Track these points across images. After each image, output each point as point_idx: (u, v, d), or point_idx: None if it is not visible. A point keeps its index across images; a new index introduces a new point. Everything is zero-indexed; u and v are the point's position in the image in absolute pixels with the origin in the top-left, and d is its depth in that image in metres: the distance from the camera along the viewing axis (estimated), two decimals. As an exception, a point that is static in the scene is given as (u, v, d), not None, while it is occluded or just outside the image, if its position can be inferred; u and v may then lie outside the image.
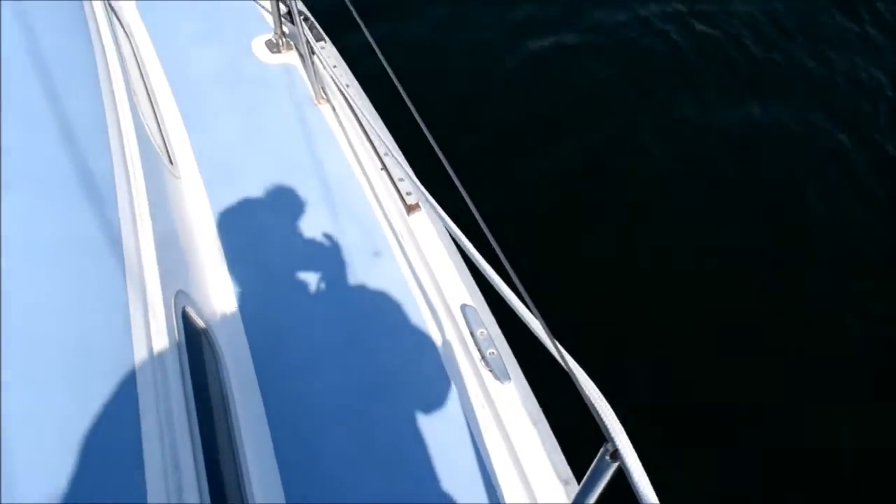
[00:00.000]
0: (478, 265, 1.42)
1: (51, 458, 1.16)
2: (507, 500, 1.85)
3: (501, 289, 1.31)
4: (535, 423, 1.98)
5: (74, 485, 1.14)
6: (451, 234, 1.58)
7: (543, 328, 1.11)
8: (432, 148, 1.69)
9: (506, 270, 1.27)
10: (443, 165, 1.60)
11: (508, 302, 1.27)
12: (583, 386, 1.00)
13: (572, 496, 1.83)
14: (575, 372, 1.02)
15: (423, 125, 1.61)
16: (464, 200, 1.63)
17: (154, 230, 1.82)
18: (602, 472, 1.01)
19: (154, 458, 1.27)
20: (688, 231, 4.44)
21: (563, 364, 1.05)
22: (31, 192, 1.58)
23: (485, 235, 1.36)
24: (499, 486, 1.87)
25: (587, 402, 0.99)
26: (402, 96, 1.83)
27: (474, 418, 2.00)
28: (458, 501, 1.84)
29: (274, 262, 2.34)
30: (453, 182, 1.68)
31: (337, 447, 1.91)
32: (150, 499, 1.21)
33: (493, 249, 1.32)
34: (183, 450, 1.36)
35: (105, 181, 1.78)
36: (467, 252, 1.46)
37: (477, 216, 1.28)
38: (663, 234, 4.41)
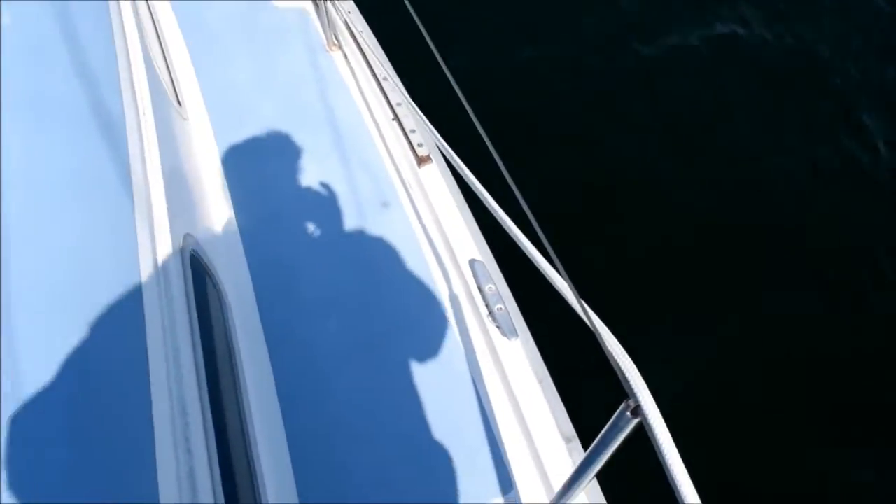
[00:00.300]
0: (498, 217, 1.39)
1: (61, 387, 1.15)
2: (508, 456, 1.85)
3: (523, 243, 1.28)
4: (539, 381, 1.98)
5: (82, 434, 1.13)
6: (467, 184, 1.54)
7: (567, 283, 1.09)
8: (447, 100, 1.64)
9: (526, 226, 1.25)
10: (457, 120, 1.56)
11: (530, 256, 1.24)
12: (606, 341, 0.98)
13: (574, 454, 1.84)
14: (598, 327, 1.00)
15: (445, 69, 1.57)
16: (478, 155, 1.60)
17: (163, 170, 1.79)
18: (620, 428, 1.00)
19: (162, 400, 1.26)
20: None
21: (586, 319, 1.03)
22: (40, 124, 1.55)
23: (504, 191, 1.33)
24: (501, 441, 1.87)
25: (609, 357, 0.97)
26: (423, 41, 1.77)
27: (479, 373, 1.99)
28: (461, 454, 1.84)
29: (281, 209, 2.31)
30: (468, 137, 1.64)
31: (341, 395, 1.91)
32: (157, 440, 1.20)
33: (514, 206, 1.30)
34: (189, 392, 1.35)
35: (115, 117, 1.74)
36: (486, 203, 1.43)
37: (501, 166, 1.25)
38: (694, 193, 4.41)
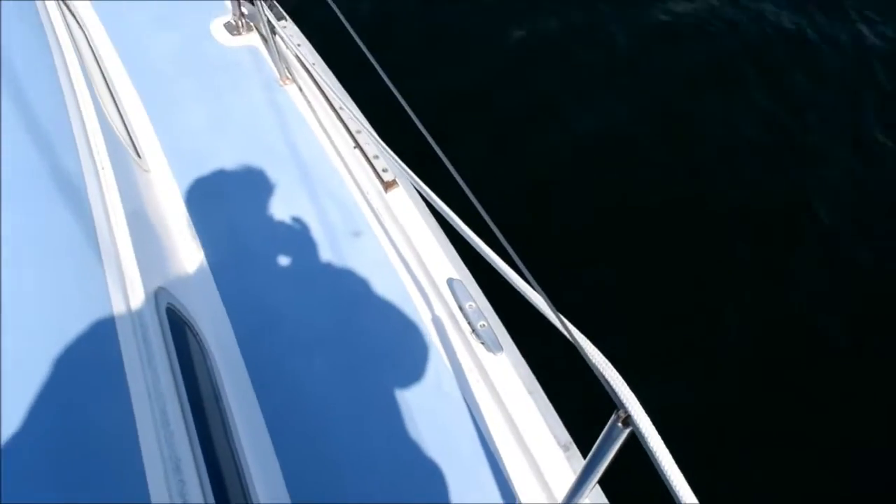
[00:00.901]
0: (467, 238, 1.39)
1: (48, 466, 1.13)
2: (508, 470, 1.85)
3: (495, 261, 1.29)
4: (530, 392, 1.98)
5: (74, 489, 1.11)
6: (434, 208, 1.54)
7: (544, 298, 1.09)
8: (405, 124, 1.65)
9: (495, 242, 1.25)
10: (416, 142, 1.56)
11: (504, 274, 1.24)
12: (590, 355, 0.99)
13: (573, 461, 1.84)
14: (580, 341, 1.01)
15: (399, 95, 1.57)
16: (443, 175, 1.60)
17: (129, 226, 1.78)
18: (613, 439, 1.01)
19: (154, 460, 1.24)
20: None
21: (567, 335, 1.03)
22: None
23: (468, 209, 1.33)
24: (499, 456, 1.87)
25: (595, 370, 0.98)
26: (374, 69, 1.78)
27: (469, 391, 1.99)
28: (459, 472, 1.83)
29: (253, 250, 2.30)
30: (429, 158, 1.64)
31: (334, 433, 1.89)
32: (153, 500, 1.19)
33: (480, 222, 1.30)
34: (182, 448, 1.33)
35: (75, 180, 1.73)
36: (455, 225, 1.44)
37: (464, 186, 1.25)
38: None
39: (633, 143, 4.76)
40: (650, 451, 0.91)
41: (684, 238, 4.21)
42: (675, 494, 0.89)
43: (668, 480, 0.89)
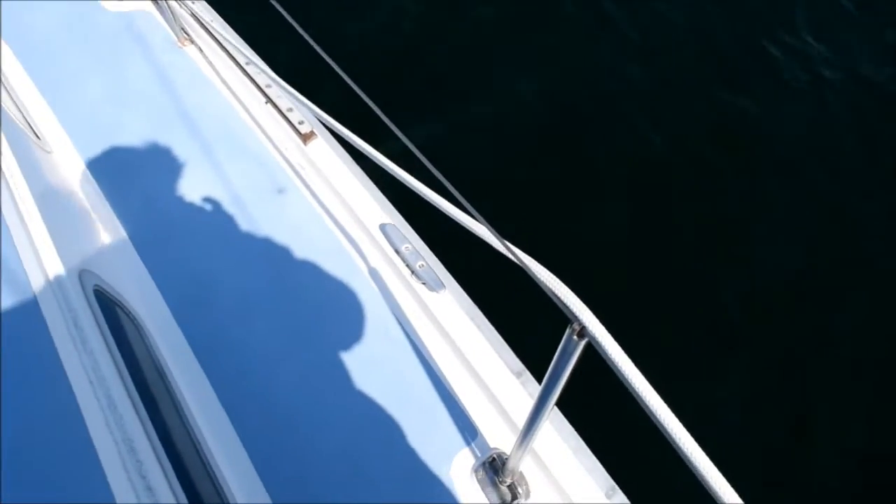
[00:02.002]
0: (399, 177, 1.37)
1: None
2: (466, 405, 1.87)
3: (430, 196, 1.27)
4: (477, 325, 1.99)
5: (29, 488, 1.07)
6: (361, 150, 1.50)
7: (487, 228, 1.08)
8: (317, 69, 1.59)
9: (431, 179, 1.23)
10: (331, 88, 1.51)
11: (441, 208, 1.23)
12: (538, 274, 0.99)
13: (528, 386, 1.87)
14: (528, 262, 1.00)
15: (311, 41, 1.51)
16: (364, 120, 1.56)
17: (40, 211, 1.68)
18: (570, 352, 1.02)
19: (107, 445, 1.20)
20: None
21: (512, 257, 1.03)
22: None
23: (399, 149, 1.30)
24: (455, 393, 1.88)
25: (545, 288, 0.98)
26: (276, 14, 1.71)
27: (416, 333, 1.99)
28: (418, 416, 1.84)
29: (174, 221, 2.22)
30: (345, 102, 1.59)
31: (286, 394, 1.87)
32: (112, 485, 1.16)
33: (411, 161, 1.28)
34: (134, 429, 1.29)
35: None
36: (384, 165, 1.41)
37: (390, 124, 1.22)
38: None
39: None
40: (608, 357, 0.92)
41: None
42: (639, 397, 0.91)
43: (629, 384, 0.91)
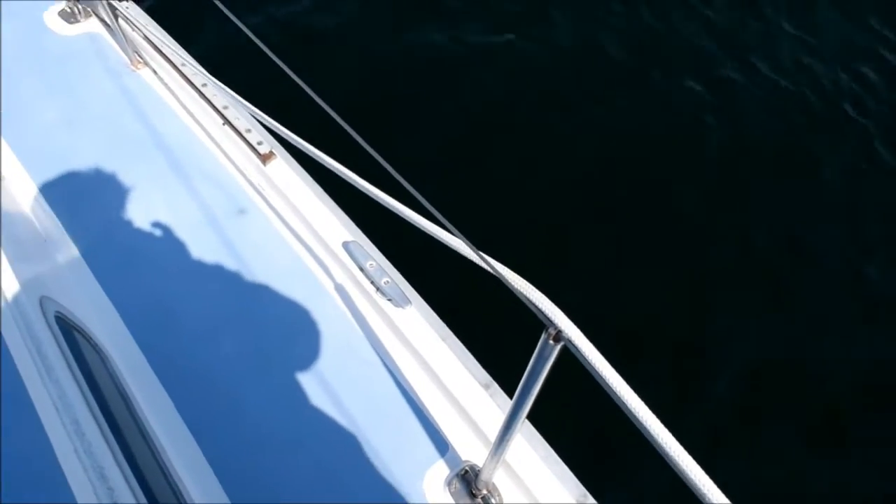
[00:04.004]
0: (366, 191, 1.37)
1: None
2: (436, 419, 1.87)
3: (400, 210, 1.28)
4: (443, 339, 2.00)
5: None
6: (327, 166, 1.50)
7: (461, 239, 1.09)
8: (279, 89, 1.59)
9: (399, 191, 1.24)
10: (294, 111, 1.50)
11: (411, 220, 1.24)
12: (512, 282, 1.00)
13: (497, 398, 1.88)
14: (501, 271, 1.02)
15: (271, 55, 1.51)
16: (323, 136, 1.56)
17: None
18: (546, 357, 1.03)
19: (76, 472, 1.18)
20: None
21: (485, 266, 1.04)
22: None
23: (364, 164, 1.31)
24: (425, 407, 1.88)
25: (520, 295, 1.00)
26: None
27: (384, 350, 1.99)
28: (389, 432, 1.84)
29: (133, 246, 2.18)
30: (307, 122, 1.58)
31: (255, 417, 1.85)
32: None
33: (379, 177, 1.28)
34: (103, 455, 1.27)
35: None
36: (351, 180, 1.41)
37: (357, 137, 1.23)
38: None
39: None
40: (585, 359, 0.94)
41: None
42: (618, 398, 0.92)
43: (607, 385, 0.92)
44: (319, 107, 1.36)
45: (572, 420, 2.68)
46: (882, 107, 5.29)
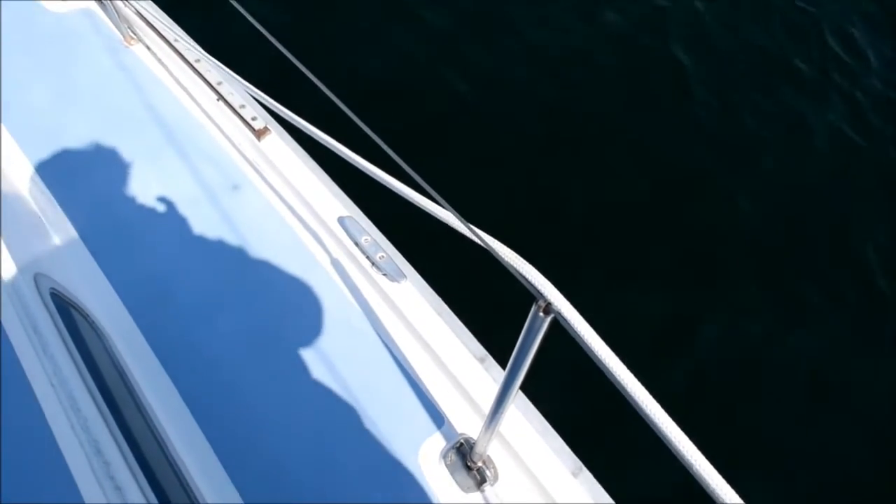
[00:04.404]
0: (358, 165, 1.37)
1: None
2: (432, 392, 1.88)
3: (392, 184, 1.28)
4: (439, 313, 2.01)
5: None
6: (320, 141, 1.50)
7: (451, 212, 1.10)
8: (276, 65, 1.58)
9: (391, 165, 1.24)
10: (286, 83, 1.50)
11: (403, 194, 1.24)
12: (502, 255, 1.00)
13: (492, 371, 1.90)
14: (489, 242, 1.02)
15: (268, 35, 1.50)
16: (317, 111, 1.56)
17: None
18: (536, 329, 1.04)
19: (73, 447, 1.19)
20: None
21: (475, 238, 1.05)
22: None
23: (358, 140, 1.31)
24: (421, 381, 1.90)
25: (510, 268, 1.00)
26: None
27: (380, 324, 2.00)
28: (385, 406, 1.85)
29: (129, 222, 2.18)
30: (299, 96, 1.57)
31: (253, 393, 1.86)
32: (80, 485, 1.15)
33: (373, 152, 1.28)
34: (99, 431, 1.28)
35: None
36: (343, 154, 1.41)
37: (350, 114, 1.23)
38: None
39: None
40: (575, 331, 0.94)
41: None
42: (607, 370, 0.93)
43: (597, 357, 0.93)
44: (312, 82, 1.35)
45: (570, 393, 2.69)
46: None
